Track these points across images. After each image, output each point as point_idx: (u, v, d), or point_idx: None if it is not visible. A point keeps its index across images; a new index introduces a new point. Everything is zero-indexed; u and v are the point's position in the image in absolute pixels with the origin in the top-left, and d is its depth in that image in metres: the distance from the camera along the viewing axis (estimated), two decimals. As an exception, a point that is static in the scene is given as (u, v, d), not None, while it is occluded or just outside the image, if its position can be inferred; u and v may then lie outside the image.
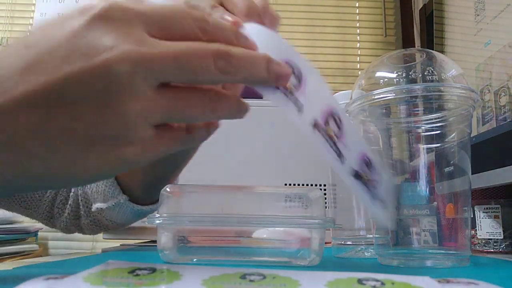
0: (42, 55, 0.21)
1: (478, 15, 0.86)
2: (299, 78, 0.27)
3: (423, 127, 0.40)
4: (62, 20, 0.24)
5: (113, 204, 0.51)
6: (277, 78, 0.25)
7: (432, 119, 0.40)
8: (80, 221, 0.57)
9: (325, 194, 0.50)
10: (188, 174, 0.52)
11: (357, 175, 0.28)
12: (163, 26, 0.23)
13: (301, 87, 0.27)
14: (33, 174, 0.23)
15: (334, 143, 0.27)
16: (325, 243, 0.40)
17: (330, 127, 0.27)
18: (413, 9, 1.61)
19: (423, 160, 0.40)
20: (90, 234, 0.59)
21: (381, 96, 0.38)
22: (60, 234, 1.34)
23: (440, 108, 0.40)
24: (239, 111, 0.26)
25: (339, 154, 0.27)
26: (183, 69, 0.22)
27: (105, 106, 0.21)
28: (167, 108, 0.23)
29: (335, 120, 0.28)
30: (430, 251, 0.39)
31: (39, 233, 1.31)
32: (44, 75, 0.21)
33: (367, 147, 0.30)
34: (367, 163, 0.29)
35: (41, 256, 1.25)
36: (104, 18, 0.22)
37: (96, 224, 0.56)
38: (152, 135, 0.23)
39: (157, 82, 0.22)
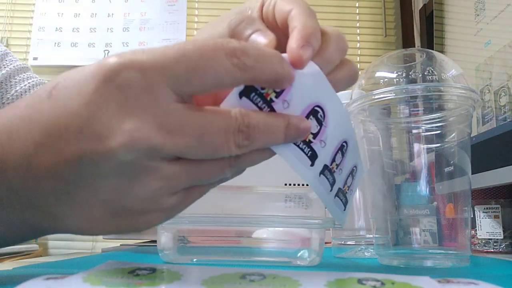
0: (58, 128, 0.20)
1: (478, 15, 0.86)
2: (321, 121, 0.25)
3: (423, 127, 0.40)
4: (76, 83, 0.21)
5: None
6: (293, 140, 0.24)
7: (432, 119, 0.40)
8: None
9: (325, 194, 0.49)
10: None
11: (325, 169, 0.26)
12: (191, 78, 0.20)
13: (319, 134, 0.25)
14: (59, 230, 0.23)
15: (308, 145, 0.25)
16: (325, 243, 0.40)
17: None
18: (413, 9, 1.61)
19: (423, 160, 0.40)
20: None
21: (381, 96, 0.38)
22: (60, 234, 1.33)
23: (440, 108, 0.40)
24: (260, 161, 0.24)
25: (312, 156, 0.25)
26: (200, 150, 0.21)
27: (122, 184, 0.21)
28: (185, 179, 0.22)
29: (317, 116, 0.25)
30: (430, 251, 0.39)
31: (39, 233, 1.31)
32: (59, 152, 0.20)
33: (348, 132, 0.27)
34: (343, 149, 0.27)
35: (41, 256, 1.25)
36: (118, 85, 0.20)
37: None
38: (175, 201, 0.22)
39: (173, 157, 0.21)
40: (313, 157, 0.25)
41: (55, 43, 1.70)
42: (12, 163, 0.21)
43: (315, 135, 0.25)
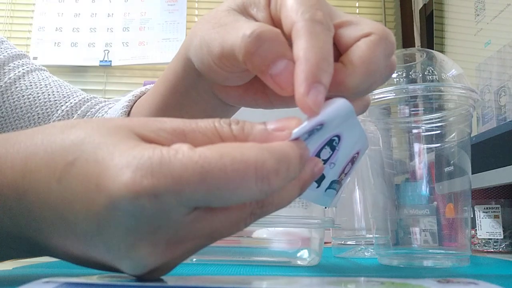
0: (67, 223, 0.19)
1: (478, 15, 0.86)
2: (335, 147, 0.23)
3: (423, 127, 0.40)
4: (86, 190, 0.18)
5: None
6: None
7: (432, 119, 0.40)
8: None
9: (325, 194, 0.50)
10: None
11: (332, 183, 0.25)
12: (211, 199, 0.18)
13: (330, 159, 0.24)
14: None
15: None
16: (325, 243, 0.40)
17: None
18: (413, 9, 1.61)
19: (423, 160, 0.40)
20: None
21: (381, 96, 0.38)
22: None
23: (440, 108, 0.40)
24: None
25: (320, 179, 0.24)
26: (211, 243, 0.20)
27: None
28: (202, 235, 0.20)
29: (332, 144, 0.23)
30: (430, 251, 0.39)
31: (39, 233, 1.31)
32: (68, 246, 0.20)
33: (361, 142, 0.25)
34: (353, 160, 0.26)
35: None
36: (130, 212, 0.18)
37: None
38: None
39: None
40: (320, 179, 0.24)
41: (55, 43, 1.70)
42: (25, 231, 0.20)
43: (325, 161, 0.23)
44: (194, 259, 0.39)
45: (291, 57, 0.22)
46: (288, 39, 0.23)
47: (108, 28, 1.73)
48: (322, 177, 0.24)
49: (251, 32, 0.22)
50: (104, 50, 1.71)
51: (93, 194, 0.18)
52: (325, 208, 0.38)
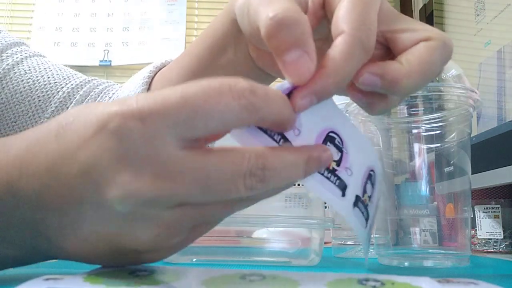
0: (61, 172, 0.20)
1: (478, 15, 0.86)
2: (340, 148, 0.24)
3: (423, 127, 0.40)
4: (80, 127, 0.20)
5: None
6: (313, 172, 0.22)
7: (432, 119, 0.40)
8: None
9: (325, 194, 0.50)
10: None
11: (358, 200, 0.25)
12: (195, 123, 0.19)
13: (342, 161, 0.24)
14: (67, 258, 0.23)
15: (334, 173, 0.23)
16: (325, 243, 0.40)
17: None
18: (413, 9, 1.61)
19: (423, 160, 0.40)
20: None
21: (381, 96, 0.38)
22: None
23: (440, 108, 0.40)
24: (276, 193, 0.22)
25: (341, 185, 0.23)
26: (204, 197, 0.20)
27: (123, 228, 0.20)
28: (188, 223, 0.21)
29: (334, 143, 0.24)
30: (430, 251, 0.40)
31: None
32: (63, 195, 0.20)
33: (372, 158, 0.26)
34: (371, 179, 0.26)
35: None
36: (117, 135, 0.19)
37: None
38: (179, 240, 0.22)
39: (174, 204, 0.20)
40: (342, 186, 0.24)
41: (55, 42, 1.70)
42: (24, 197, 0.21)
43: (338, 162, 0.23)
44: (194, 259, 0.39)
45: (308, 48, 0.22)
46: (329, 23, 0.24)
47: (108, 28, 1.73)
48: (343, 184, 0.23)
49: (274, 15, 0.22)
50: (104, 50, 1.71)
51: (86, 130, 0.19)
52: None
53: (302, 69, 0.22)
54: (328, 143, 0.23)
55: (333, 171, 0.23)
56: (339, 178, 0.23)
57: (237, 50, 0.34)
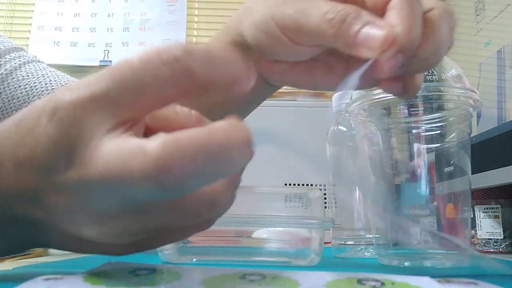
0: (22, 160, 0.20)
1: (478, 15, 0.86)
2: None
3: (423, 127, 0.40)
4: (33, 114, 0.20)
5: None
6: None
7: (432, 119, 0.40)
8: None
9: (325, 194, 0.50)
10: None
11: None
12: (127, 102, 0.18)
13: None
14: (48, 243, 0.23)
15: None
16: (325, 243, 0.40)
17: None
18: (413, 9, 1.61)
19: (423, 160, 0.40)
20: None
21: (381, 96, 0.38)
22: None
23: (440, 108, 0.40)
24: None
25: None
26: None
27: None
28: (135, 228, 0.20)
29: None
30: (430, 251, 0.39)
31: (39, 233, 1.31)
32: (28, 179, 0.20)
33: None
34: None
35: (41, 256, 1.25)
36: (54, 122, 0.19)
37: None
38: (136, 239, 0.21)
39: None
40: None
41: (55, 42, 1.70)
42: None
43: None
44: (194, 259, 0.39)
45: (374, 22, 0.24)
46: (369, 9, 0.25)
47: (108, 28, 1.73)
48: None
49: (335, 16, 0.25)
50: (104, 50, 1.71)
51: (35, 115, 0.19)
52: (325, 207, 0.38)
53: (376, 36, 0.23)
54: None
55: None
56: None
57: None
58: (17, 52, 0.55)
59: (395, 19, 0.24)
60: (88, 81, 0.19)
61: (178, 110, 0.22)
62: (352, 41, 0.24)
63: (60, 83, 0.52)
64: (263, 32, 0.30)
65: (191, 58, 0.18)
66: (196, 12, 1.76)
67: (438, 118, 0.40)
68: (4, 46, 0.54)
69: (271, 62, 0.32)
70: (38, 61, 0.55)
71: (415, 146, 0.40)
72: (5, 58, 0.53)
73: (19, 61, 0.54)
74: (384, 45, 0.23)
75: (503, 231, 0.62)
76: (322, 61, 0.32)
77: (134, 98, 0.18)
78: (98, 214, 0.19)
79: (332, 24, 0.25)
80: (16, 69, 0.53)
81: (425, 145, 0.40)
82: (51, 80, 0.52)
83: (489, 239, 0.62)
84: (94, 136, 0.18)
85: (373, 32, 0.24)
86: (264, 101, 0.44)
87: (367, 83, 0.28)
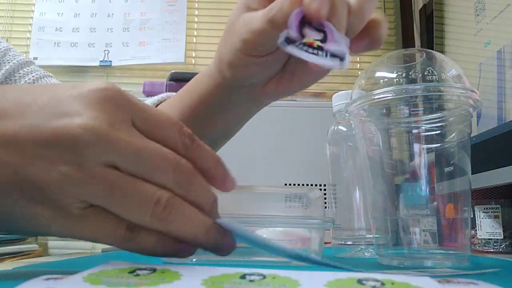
0: (20, 105, 0.23)
1: (478, 15, 0.86)
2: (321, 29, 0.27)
3: (423, 127, 0.40)
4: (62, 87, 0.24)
5: None
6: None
7: (432, 119, 0.40)
8: None
9: (325, 194, 0.50)
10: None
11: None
12: (150, 124, 0.24)
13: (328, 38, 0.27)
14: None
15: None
16: (325, 243, 0.40)
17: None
18: (413, 9, 1.61)
19: (423, 160, 0.40)
20: None
21: (381, 96, 0.38)
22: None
23: (440, 108, 0.40)
24: (214, 242, 0.26)
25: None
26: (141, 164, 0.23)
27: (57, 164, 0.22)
28: (103, 189, 0.22)
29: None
30: (430, 251, 0.39)
31: (39, 233, 1.31)
32: (15, 122, 0.22)
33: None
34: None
35: (41, 256, 1.25)
36: (97, 95, 0.23)
37: None
38: (81, 213, 0.23)
39: (107, 163, 0.22)
40: (340, 54, 0.26)
41: (55, 43, 1.70)
42: None
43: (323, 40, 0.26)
44: (194, 259, 0.39)
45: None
46: None
47: (108, 28, 1.73)
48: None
49: (268, 11, 0.31)
50: (104, 50, 1.70)
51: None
52: (325, 207, 0.38)
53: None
54: (306, 26, 0.26)
55: (319, 48, 0.26)
56: (327, 51, 0.26)
57: (233, 99, 0.42)
58: (29, 66, 0.58)
59: None
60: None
61: None
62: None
63: None
64: (227, 64, 0.38)
65: (193, 141, 0.25)
66: (196, 12, 1.76)
67: (438, 118, 0.40)
68: (17, 60, 0.58)
69: (261, 87, 0.40)
70: (49, 76, 0.59)
71: (415, 146, 0.40)
72: (19, 73, 0.56)
73: (32, 76, 0.57)
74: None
75: (503, 231, 0.62)
76: (294, 65, 0.38)
77: (153, 124, 0.24)
78: None
79: (272, 17, 0.30)
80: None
81: (425, 145, 0.40)
82: None
83: (489, 239, 0.62)
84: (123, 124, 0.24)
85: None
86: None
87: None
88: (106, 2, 1.75)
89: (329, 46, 0.26)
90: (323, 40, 0.26)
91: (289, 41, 0.26)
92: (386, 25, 0.35)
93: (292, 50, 0.26)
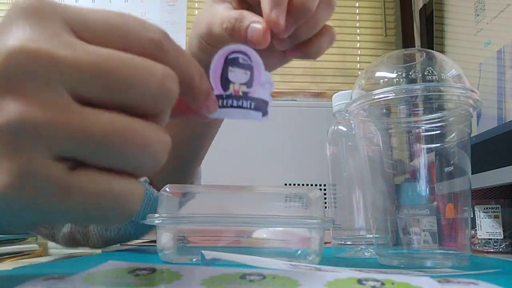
0: None
1: (478, 15, 0.86)
2: (250, 66, 0.24)
3: (423, 127, 0.40)
4: None
5: None
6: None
7: (432, 119, 0.40)
8: (88, 229, 0.56)
9: (325, 194, 0.50)
10: (188, 174, 0.52)
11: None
12: (103, 31, 0.19)
13: (254, 79, 0.24)
14: None
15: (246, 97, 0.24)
16: (325, 243, 0.40)
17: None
18: (413, 9, 1.61)
19: (423, 160, 0.40)
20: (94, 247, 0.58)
21: (381, 96, 0.38)
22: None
23: (440, 108, 0.40)
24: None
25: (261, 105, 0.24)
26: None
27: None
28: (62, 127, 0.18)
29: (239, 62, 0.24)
30: (430, 251, 0.39)
31: (39, 233, 1.31)
32: None
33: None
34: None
35: (41, 256, 1.25)
36: (25, 10, 0.19)
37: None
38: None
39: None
40: (263, 105, 0.24)
41: (55, 43, 1.70)
42: None
43: (249, 83, 0.24)
44: (194, 259, 0.39)
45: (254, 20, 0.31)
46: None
47: (108, 28, 1.73)
48: (266, 102, 0.25)
49: (227, 25, 0.32)
50: (104, 50, 1.70)
51: None
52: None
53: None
54: (231, 67, 0.24)
55: (244, 96, 0.24)
56: (253, 99, 0.24)
57: None
58: None
59: (264, 8, 0.30)
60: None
61: None
62: (245, 38, 0.30)
63: None
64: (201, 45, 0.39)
65: (169, 40, 0.21)
66: (196, 12, 1.76)
67: (438, 118, 0.40)
68: None
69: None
70: None
71: (415, 146, 0.40)
72: None
73: None
74: (265, 34, 0.30)
75: (503, 231, 0.62)
76: None
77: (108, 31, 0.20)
78: None
79: (228, 31, 0.32)
80: None
81: (425, 145, 0.40)
82: None
83: (489, 239, 0.62)
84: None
85: (254, 27, 0.30)
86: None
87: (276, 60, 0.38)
88: (106, 2, 1.75)
89: (255, 91, 0.24)
90: (249, 82, 0.24)
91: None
92: (331, 38, 0.35)
93: (220, 114, 0.23)
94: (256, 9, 0.35)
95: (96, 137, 0.18)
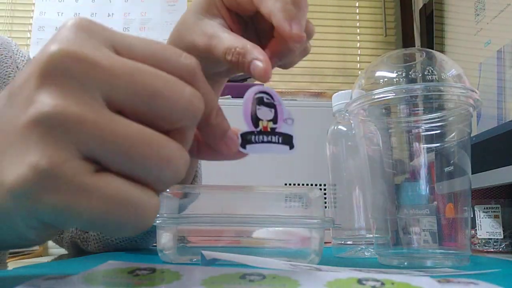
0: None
1: (478, 15, 0.86)
2: (273, 104, 0.26)
3: (423, 127, 0.40)
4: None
5: None
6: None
7: (432, 119, 0.40)
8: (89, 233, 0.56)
9: (325, 194, 0.50)
10: (188, 174, 0.52)
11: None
12: (138, 48, 0.21)
13: (278, 116, 0.26)
14: None
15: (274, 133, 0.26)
16: (325, 243, 0.40)
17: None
18: (413, 9, 1.61)
19: (423, 160, 0.40)
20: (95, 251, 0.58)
21: (381, 96, 0.38)
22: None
23: (440, 108, 0.40)
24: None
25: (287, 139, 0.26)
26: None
27: None
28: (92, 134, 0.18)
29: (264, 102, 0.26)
30: (430, 251, 0.39)
31: (39, 233, 1.31)
32: None
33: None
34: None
35: (41, 256, 1.25)
36: (75, 26, 0.20)
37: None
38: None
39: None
40: (289, 139, 0.26)
41: (55, 43, 1.69)
42: None
43: (274, 120, 0.26)
44: (194, 259, 0.39)
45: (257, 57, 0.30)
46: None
47: (108, 28, 1.73)
48: (289, 136, 0.26)
49: (231, 57, 0.31)
50: (104, 50, 1.70)
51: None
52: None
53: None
54: (258, 106, 0.25)
55: (272, 132, 0.25)
56: (280, 134, 0.26)
57: None
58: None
59: (282, 26, 0.30)
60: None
61: None
62: (249, 72, 0.30)
63: None
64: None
65: (200, 70, 0.22)
66: (196, 12, 1.76)
67: (438, 118, 0.40)
68: (22, 56, 0.57)
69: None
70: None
71: (415, 146, 0.40)
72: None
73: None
74: (267, 71, 0.29)
75: (503, 231, 0.62)
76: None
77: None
78: None
79: (232, 64, 0.31)
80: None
81: (425, 145, 0.40)
82: None
83: (489, 239, 0.62)
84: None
85: (257, 64, 0.29)
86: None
87: None
88: (106, 2, 1.75)
89: (280, 126, 0.26)
90: (274, 119, 0.26)
91: (245, 135, 0.25)
92: (305, 52, 0.35)
93: (252, 150, 0.25)
94: (248, 23, 0.36)
95: (125, 144, 0.18)
